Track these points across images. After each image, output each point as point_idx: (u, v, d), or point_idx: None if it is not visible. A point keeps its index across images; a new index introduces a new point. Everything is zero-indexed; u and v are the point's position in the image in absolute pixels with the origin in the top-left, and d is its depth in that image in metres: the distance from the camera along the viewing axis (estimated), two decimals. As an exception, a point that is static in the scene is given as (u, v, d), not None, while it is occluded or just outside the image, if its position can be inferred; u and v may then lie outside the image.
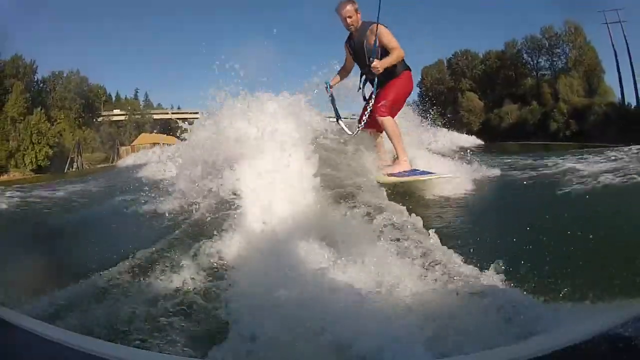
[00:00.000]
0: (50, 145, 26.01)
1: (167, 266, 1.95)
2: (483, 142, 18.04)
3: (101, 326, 1.46)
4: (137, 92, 36.94)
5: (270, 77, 3.86)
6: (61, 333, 1.04)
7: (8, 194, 6.38)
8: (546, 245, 1.94)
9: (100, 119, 31.33)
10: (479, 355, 1.09)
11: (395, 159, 4.11)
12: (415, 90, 31.56)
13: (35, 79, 29.06)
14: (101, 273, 1.96)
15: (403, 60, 3.94)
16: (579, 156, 5.62)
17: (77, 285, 1.91)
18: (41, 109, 26.68)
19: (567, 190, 3.22)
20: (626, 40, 25.49)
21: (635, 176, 3.43)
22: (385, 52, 3.83)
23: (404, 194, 3.55)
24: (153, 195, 3.54)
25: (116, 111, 33.13)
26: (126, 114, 32.30)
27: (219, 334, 1.47)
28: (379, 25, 3.77)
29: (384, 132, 4.07)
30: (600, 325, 1.02)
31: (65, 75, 29.80)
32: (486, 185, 4.05)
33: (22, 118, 25.75)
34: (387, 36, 3.82)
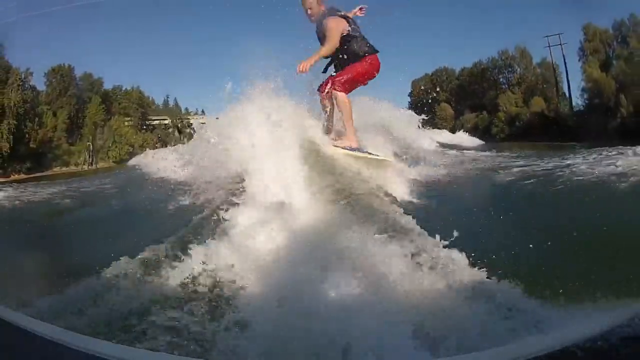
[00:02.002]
0: (129, 144, 32.39)
1: (168, 266, 1.87)
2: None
3: (102, 324, 1.39)
4: (167, 97, 39.52)
5: (278, 78, 3.71)
6: (61, 333, 0.98)
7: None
8: (547, 244, 1.85)
9: (155, 122, 36.59)
10: (479, 355, 1.03)
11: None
12: (406, 100, 35.35)
13: (103, 91, 34.66)
14: (104, 269, 1.87)
15: (368, 45, 3.88)
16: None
17: (77, 281, 1.82)
18: (117, 116, 33.33)
19: (560, 189, 3.08)
20: (564, 60, 29.81)
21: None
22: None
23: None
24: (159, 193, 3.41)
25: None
26: (171, 119, 37.00)
27: (219, 333, 1.40)
28: (327, 18, 3.77)
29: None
30: (600, 325, 0.97)
31: (124, 88, 35.69)
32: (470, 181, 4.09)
33: (103, 123, 32.41)
34: (326, 29, 3.78)
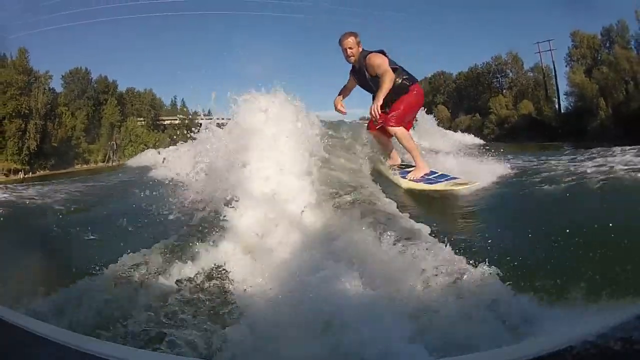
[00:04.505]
0: (143, 143, 32.80)
1: (168, 266, 1.79)
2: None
3: (103, 324, 1.32)
4: (174, 98, 39.61)
5: (281, 79, 3.53)
6: (61, 333, 0.90)
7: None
8: (547, 245, 1.76)
9: (167, 122, 36.79)
10: (479, 355, 0.95)
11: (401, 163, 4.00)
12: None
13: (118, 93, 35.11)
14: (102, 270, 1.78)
15: (408, 75, 3.66)
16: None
17: (75, 281, 1.73)
18: (131, 117, 33.84)
19: (555, 189, 2.92)
20: (554, 65, 30.73)
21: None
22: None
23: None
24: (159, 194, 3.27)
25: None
26: (181, 119, 36.51)
27: (219, 332, 1.32)
28: (369, 55, 3.55)
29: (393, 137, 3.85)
30: (600, 326, 0.89)
31: (136, 90, 36.22)
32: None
33: (119, 123, 32.95)
34: (375, 66, 3.53)
